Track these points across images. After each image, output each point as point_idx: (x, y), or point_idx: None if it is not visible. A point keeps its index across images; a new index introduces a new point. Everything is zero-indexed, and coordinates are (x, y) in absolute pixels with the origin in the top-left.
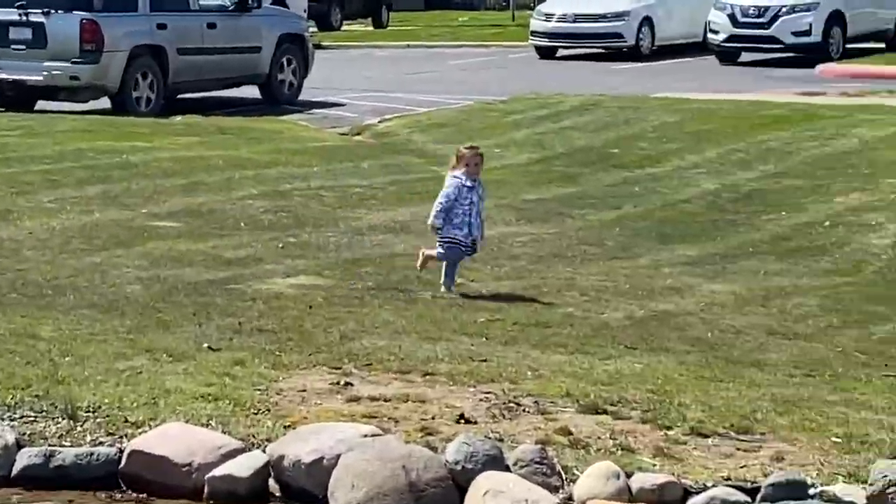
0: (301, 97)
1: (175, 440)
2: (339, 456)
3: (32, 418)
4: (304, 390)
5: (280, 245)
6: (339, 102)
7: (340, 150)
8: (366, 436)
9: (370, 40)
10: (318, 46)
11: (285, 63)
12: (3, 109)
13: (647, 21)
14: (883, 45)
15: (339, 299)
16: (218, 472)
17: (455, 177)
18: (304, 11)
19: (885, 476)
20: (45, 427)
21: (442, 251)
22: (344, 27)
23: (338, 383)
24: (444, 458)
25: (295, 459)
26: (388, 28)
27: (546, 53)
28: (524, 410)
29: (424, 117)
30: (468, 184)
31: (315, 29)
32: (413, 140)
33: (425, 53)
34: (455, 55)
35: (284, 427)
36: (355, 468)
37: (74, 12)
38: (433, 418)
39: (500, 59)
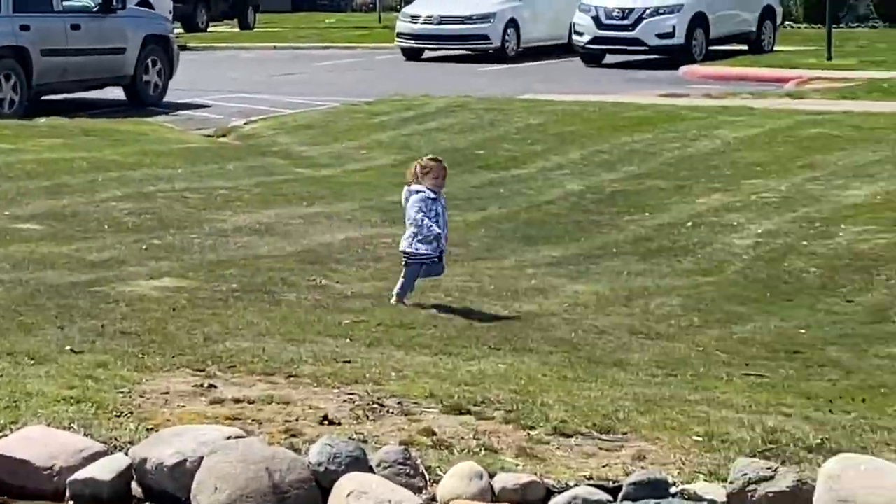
0: (166, 99)
1: (36, 443)
2: (201, 458)
3: None
4: (168, 393)
5: (144, 247)
6: (204, 104)
7: (205, 152)
8: (229, 438)
9: (236, 42)
10: (183, 48)
11: (150, 64)
12: None
13: (513, 23)
14: (745, 47)
15: (202, 301)
16: (80, 475)
17: (418, 191)
18: (170, 13)
19: (745, 474)
20: None
21: (410, 276)
22: (210, 28)
23: (201, 385)
24: (307, 459)
25: (157, 462)
26: (255, 29)
27: (412, 55)
28: (388, 411)
29: (290, 119)
30: (432, 195)
31: (181, 30)
32: (279, 142)
33: (292, 55)
34: (321, 57)
35: (147, 430)
36: (218, 470)
37: None
38: (297, 420)
39: (367, 61)
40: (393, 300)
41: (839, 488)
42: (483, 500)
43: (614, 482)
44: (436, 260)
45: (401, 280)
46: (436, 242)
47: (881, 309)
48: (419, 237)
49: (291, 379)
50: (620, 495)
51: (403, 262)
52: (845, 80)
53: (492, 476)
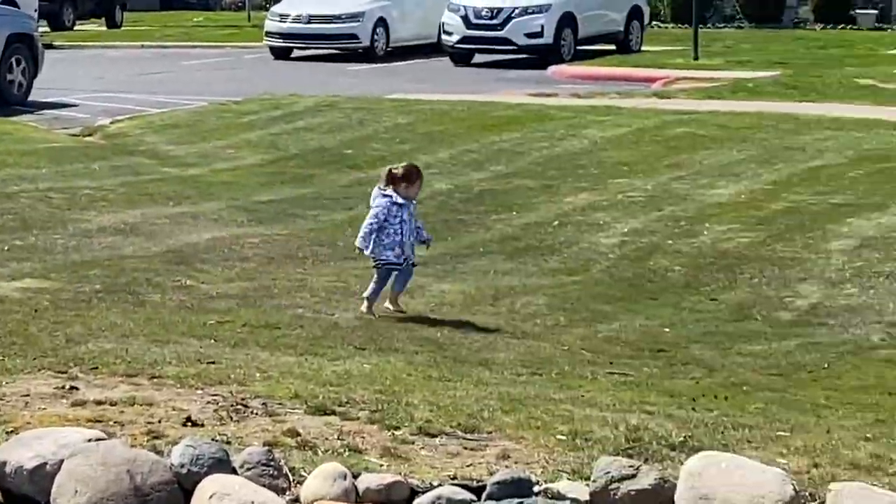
0: (31, 98)
1: None
2: (62, 461)
3: None
4: (28, 395)
5: (6, 248)
6: (70, 103)
7: (71, 152)
8: (90, 440)
9: (104, 40)
10: (49, 46)
11: (14, 63)
12: None
13: (382, 22)
14: (614, 47)
15: (65, 302)
16: None
17: (385, 195)
18: (35, 11)
19: (608, 473)
20: None
21: (377, 283)
22: (77, 27)
23: (63, 388)
24: (169, 461)
25: (17, 465)
26: (123, 28)
27: (281, 54)
28: (252, 412)
29: (157, 118)
30: (399, 201)
31: (46, 28)
32: (145, 141)
33: (160, 54)
34: (190, 56)
35: (7, 433)
36: (78, 473)
37: None
38: (160, 422)
39: (235, 60)
40: (364, 306)
41: (700, 486)
42: (347, 500)
43: (478, 482)
44: (402, 267)
45: (371, 285)
46: (399, 249)
47: (744, 307)
48: (383, 243)
49: (155, 380)
50: (484, 495)
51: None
52: (711, 79)
53: (356, 476)
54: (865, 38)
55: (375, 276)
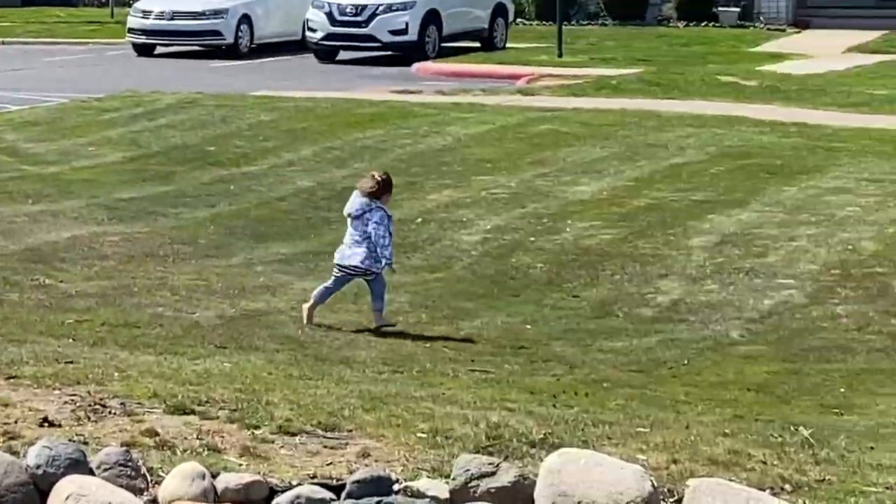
0: None
1: None
2: None
3: None
4: None
5: None
6: None
7: None
8: None
9: None
10: None
11: None
12: None
13: (246, 19)
14: (478, 44)
15: None
16: None
17: (379, 207)
18: None
19: (467, 470)
20: None
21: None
22: None
23: None
24: (25, 462)
25: None
26: None
27: (144, 51)
28: (110, 412)
29: (17, 115)
30: (389, 212)
31: None
32: (4, 138)
33: (21, 50)
34: (51, 52)
35: None
36: None
37: None
38: (16, 422)
39: (98, 57)
40: (377, 323)
41: (559, 483)
42: (205, 500)
43: (338, 480)
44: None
45: (376, 299)
46: (384, 261)
47: (605, 304)
48: (376, 255)
49: (11, 380)
50: (344, 493)
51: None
52: (575, 77)
53: (214, 476)
54: (728, 35)
55: (334, 280)
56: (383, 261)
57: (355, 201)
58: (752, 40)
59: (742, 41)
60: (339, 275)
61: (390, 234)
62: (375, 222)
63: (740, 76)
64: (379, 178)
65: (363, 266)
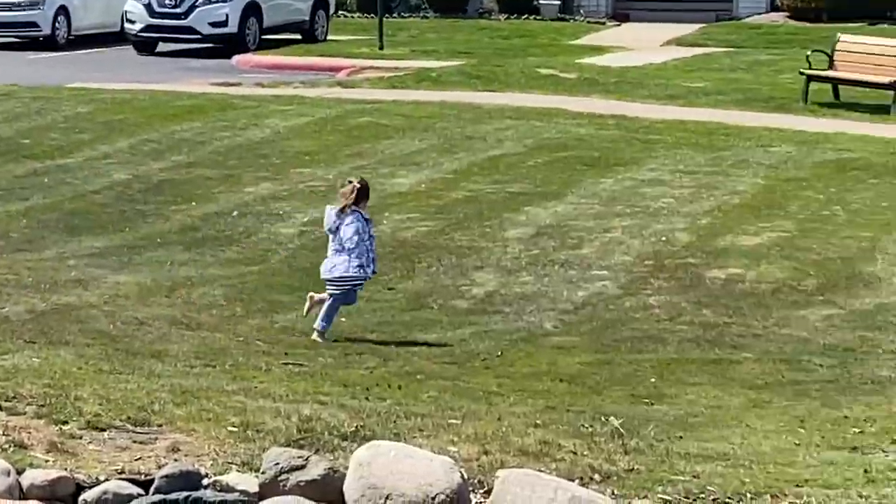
0: None
1: None
2: None
3: None
4: None
5: None
6: None
7: None
8: None
9: None
10: None
11: None
12: None
13: (63, 10)
14: (299, 37)
15: None
16: None
17: (355, 210)
18: None
19: (277, 464)
20: None
21: (344, 295)
22: None
23: None
24: None
25: None
26: None
27: None
28: None
29: None
30: (367, 216)
31: None
32: None
33: None
34: None
35: None
36: None
37: None
38: None
39: None
40: (318, 336)
41: (369, 475)
42: (11, 497)
43: (146, 475)
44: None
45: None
46: (372, 266)
47: (421, 296)
48: (363, 261)
49: None
50: (152, 489)
51: (337, 290)
52: (396, 69)
53: (20, 473)
54: (548, 28)
55: (341, 297)
56: (371, 266)
57: (330, 214)
58: (573, 33)
59: (562, 34)
60: (335, 291)
61: (371, 236)
62: (355, 231)
63: (560, 69)
64: (357, 185)
65: (352, 274)
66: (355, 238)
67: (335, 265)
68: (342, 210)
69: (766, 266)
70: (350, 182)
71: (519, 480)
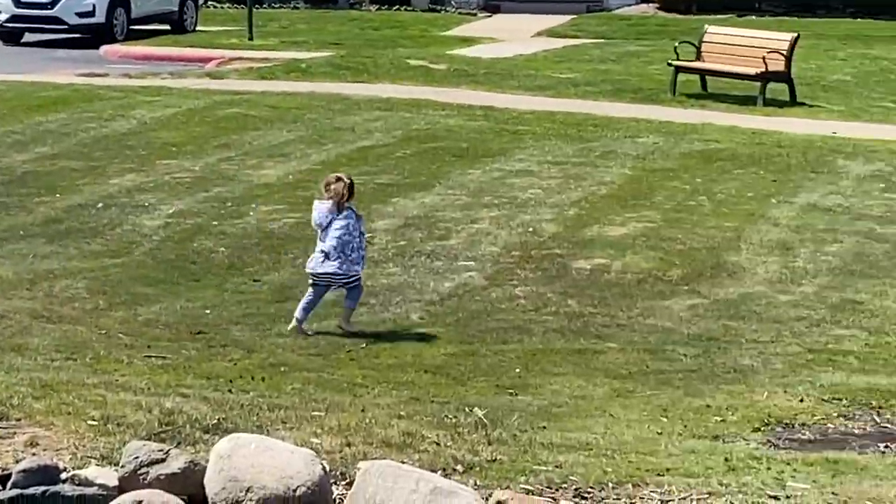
0: None
1: None
2: None
3: None
4: None
5: None
6: None
7: None
8: None
9: None
10: None
11: None
12: None
13: None
14: (168, 27)
15: None
16: None
17: (348, 207)
18: None
19: (136, 457)
20: None
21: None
22: None
23: None
24: None
25: None
26: None
27: None
28: None
29: None
30: (358, 213)
31: None
32: None
33: None
34: None
35: None
36: None
37: None
38: None
39: None
40: (297, 326)
41: (229, 468)
42: None
43: (4, 470)
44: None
45: (305, 303)
46: (363, 262)
47: (286, 287)
48: (350, 258)
49: None
50: (10, 483)
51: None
52: (265, 60)
53: None
54: (419, 19)
55: (313, 292)
56: (361, 263)
57: (322, 210)
58: (444, 24)
59: (434, 25)
60: (317, 284)
61: (362, 233)
62: (347, 227)
63: (430, 60)
64: (347, 180)
65: (341, 272)
66: (346, 236)
67: (327, 262)
68: (338, 206)
69: (631, 256)
70: (339, 178)
71: (380, 472)
